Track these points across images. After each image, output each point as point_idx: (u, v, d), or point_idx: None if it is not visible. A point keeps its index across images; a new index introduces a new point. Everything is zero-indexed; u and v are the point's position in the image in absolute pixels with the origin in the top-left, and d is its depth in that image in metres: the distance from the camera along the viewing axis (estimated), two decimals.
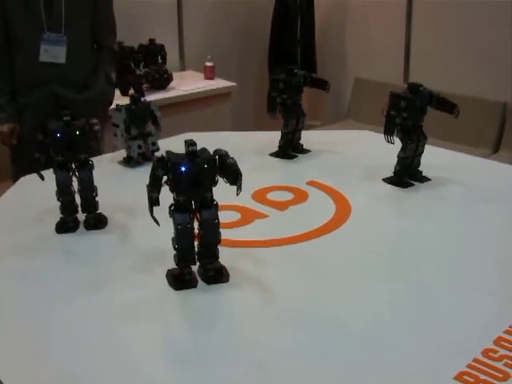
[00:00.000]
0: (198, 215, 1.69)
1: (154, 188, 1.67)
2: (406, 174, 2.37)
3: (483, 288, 1.73)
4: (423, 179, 2.39)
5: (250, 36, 5.74)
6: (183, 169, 1.63)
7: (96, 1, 3.21)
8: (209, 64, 5.02)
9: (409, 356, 1.46)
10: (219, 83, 4.97)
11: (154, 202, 1.67)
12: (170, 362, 1.46)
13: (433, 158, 2.46)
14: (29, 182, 2.42)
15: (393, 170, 2.38)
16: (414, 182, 2.37)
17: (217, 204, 1.69)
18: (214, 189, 1.69)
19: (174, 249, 1.70)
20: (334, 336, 1.53)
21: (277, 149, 2.68)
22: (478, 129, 4.87)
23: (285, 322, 1.60)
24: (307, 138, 2.73)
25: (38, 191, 2.23)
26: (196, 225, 1.69)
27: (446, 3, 5.03)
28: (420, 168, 2.39)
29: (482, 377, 1.37)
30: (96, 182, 2.03)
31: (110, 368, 1.44)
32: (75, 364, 1.45)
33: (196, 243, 1.71)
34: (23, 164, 2.42)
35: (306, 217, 2.16)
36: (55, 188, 1.99)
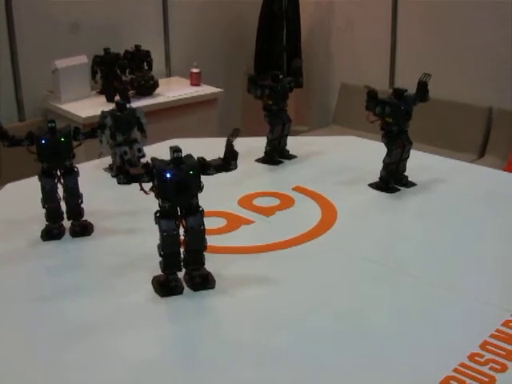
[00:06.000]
0: (183, 222, 1.68)
1: (128, 179, 1.66)
2: (392, 179, 2.38)
3: (469, 293, 1.73)
4: (409, 184, 2.40)
5: (236, 42, 5.74)
6: (168, 175, 1.63)
7: None
8: (195, 70, 5.01)
9: (395, 360, 1.46)
10: (205, 89, 4.97)
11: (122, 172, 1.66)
12: (156, 368, 1.45)
13: (418, 163, 2.47)
14: (14, 189, 2.41)
15: (379, 176, 2.39)
16: (399, 187, 2.38)
17: (202, 210, 1.69)
18: (199, 195, 1.68)
19: (160, 255, 1.69)
20: (320, 341, 1.53)
21: (263, 155, 2.68)
22: (464, 134, 4.89)
23: (271, 327, 1.60)
24: (293, 143, 2.73)
25: (23, 198, 2.22)
26: (182, 231, 1.69)
27: (432, 9, 5.05)
28: (406, 173, 2.40)
29: (468, 381, 1.38)
30: (81, 189, 2.02)
31: (96, 375, 1.43)
32: (63, 372, 1.45)
33: (182, 250, 1.70)
34: None
35: (293, 222, 2.16)
36: (40, 195, 1.98)
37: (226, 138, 1.70)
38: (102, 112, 2.50)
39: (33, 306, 1.70)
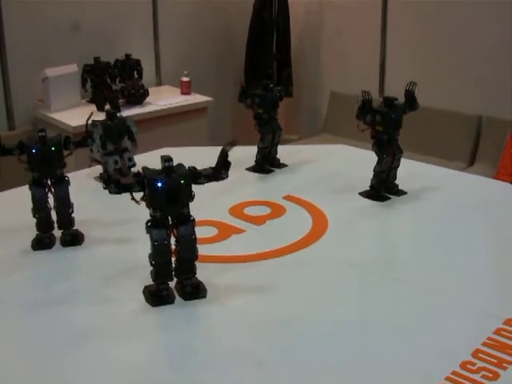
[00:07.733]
0: (174, 231, 1.68)
1: (119, 189, 1.66)
2: (383, 188, 2.38)
3: (461, 300, 1.74)
4: (399, 193, 2.40)
5: (226, 51, 5.76)
6: (159, 184, 1.62)
7: None
8: (185, 79, 5.02)
9: (386, 368, 1.46)
10: (195, 98, 4.98)
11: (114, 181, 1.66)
12: (148, 379, 1.45)
13: (409, 171, 2.47)
14: (4, 198, 2.41)
15: (369, 184, 2.39)
16: (390, 196, 2.38)
17: (194, 220, 1.69)
18: (190, 204, 1.68)
19: (151, 265, 1.69)
20: (311, 349, 1.53)
21: (253, 163, 2.69)
22: (454, 142, 4.92)
23: (263, 335, 1.60)
24: (284, 152, 2.73)
25: (13, 207, 2.21)
26: (173, 240, 1.69)
27: (421, 17, 5.08)
28: (396, 181, 2.40)
29: None
30: (72, 199, 2.02)
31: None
32: (57, 381, 1.44)
33: (173, 259, 1.70)
34: None
35: (283, 231, 2.16)
36: (31, 204, 1.97)
37: (221, 147, 1.70)
38: (93, 121, 2.50)
39: (23, 314, 1.69)
